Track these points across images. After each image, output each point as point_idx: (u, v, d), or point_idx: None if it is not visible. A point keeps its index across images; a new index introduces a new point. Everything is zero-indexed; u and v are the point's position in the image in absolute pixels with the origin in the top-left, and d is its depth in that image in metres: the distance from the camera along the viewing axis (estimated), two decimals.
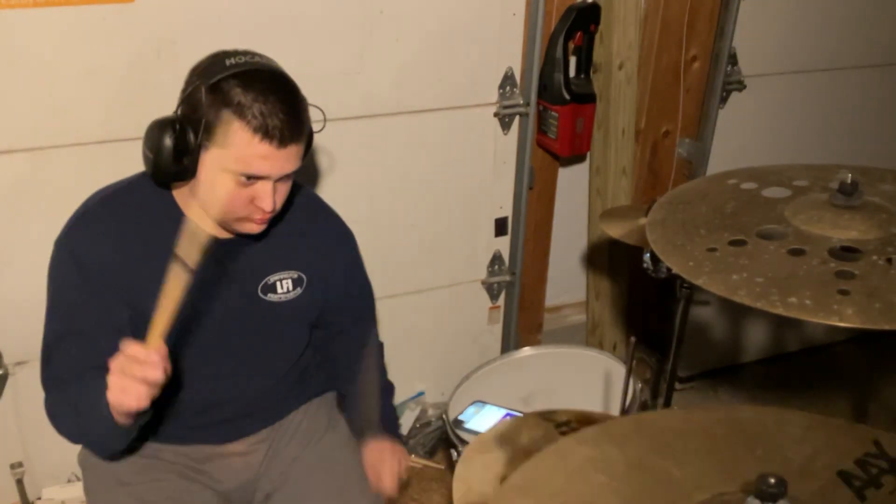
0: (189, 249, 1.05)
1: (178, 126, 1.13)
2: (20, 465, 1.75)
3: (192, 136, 1.13)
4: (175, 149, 1.13)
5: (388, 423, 1.50)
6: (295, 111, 1.14)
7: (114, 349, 1.21)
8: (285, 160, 1.15)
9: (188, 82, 1.16)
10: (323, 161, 1.78)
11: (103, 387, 1.10)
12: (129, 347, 1.05)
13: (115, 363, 1.05)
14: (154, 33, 1.52)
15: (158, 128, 1.14)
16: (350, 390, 1.51)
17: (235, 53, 1.15)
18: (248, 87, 1.11)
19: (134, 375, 1.04)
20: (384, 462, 1.41)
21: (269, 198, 1.17)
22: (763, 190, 1.18)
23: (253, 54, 1.17)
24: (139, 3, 1.49)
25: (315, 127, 1.26)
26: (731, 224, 1.09)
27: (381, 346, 1.60)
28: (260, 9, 1.59)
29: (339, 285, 1.44)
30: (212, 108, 1.11)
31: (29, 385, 1.68)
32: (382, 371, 1.57)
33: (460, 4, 1.77)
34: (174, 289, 1.05)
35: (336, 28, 1.67)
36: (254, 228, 1.23)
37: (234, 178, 1.15)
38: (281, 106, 1.12)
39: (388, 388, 1.56)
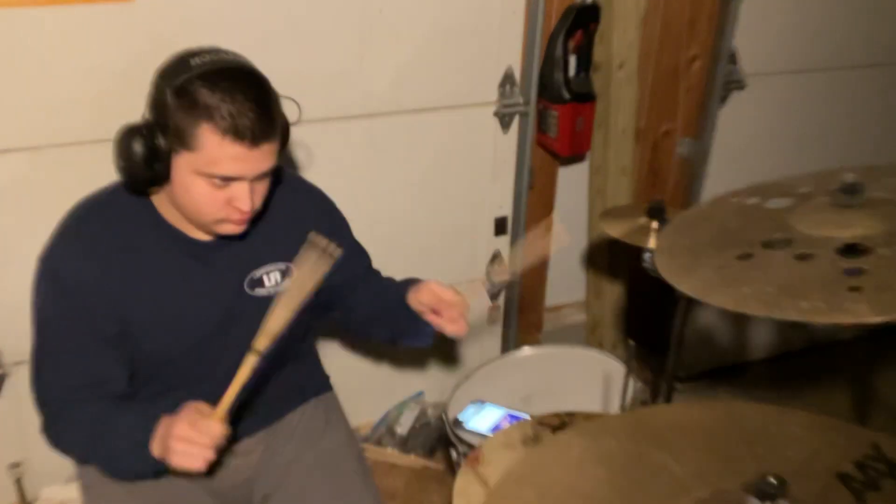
0: (263, 339, 1.14)
1: (146, 132, 1.11)
2: (19, 464, 1.75)
3: (161, 141, 1.11)
4: (145, 155, 1.11)
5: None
6: (265, 108, 1.11)
7: (105, 364, 1.24)
8: (259, 159, 1.13)
9: (154, 85, 1.13)
10: (323, 161, 1.78)
11: (134, 420, 1.18)
12: (197, 418, 1.11)
13: (181, 430, 1.10)
14: (154, 33, 1.52)
15: (127, 135, 1.12)
16: (377, 314, 1.48)
17: (200, 52, 1.12)
18: (214, 87, 1.08)
19: (202, 444, 1.10)
20: (438, 291, 1.36)
21: (246, 198, 1.15)
22: (766, 202, 1.18)
23: (218, 51, 1.13)
24: (139, 3, 1.49)
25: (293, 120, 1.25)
26: (738, 240, 1.08)
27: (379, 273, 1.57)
28: (259, 9, 1.59)
29: (336, 268, 1.43)
30: (179, 111, 1.09)
31: (29, 385, 1.68)
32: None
33: (460, 3, 1.76)
34: (245, 370, 1.15)
35: (336, 28, 1.67)
36: (234, 229, 1.21)
37: (207, 181, 1.13)
38: (250, 104, 1.09)
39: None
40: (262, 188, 1.19)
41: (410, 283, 1.42)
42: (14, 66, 1.46)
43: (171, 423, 1.13)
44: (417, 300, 1.37)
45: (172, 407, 1.31)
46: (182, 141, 1.10)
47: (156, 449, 1.15)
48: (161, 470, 1.17)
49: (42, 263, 1.23)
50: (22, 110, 1.49)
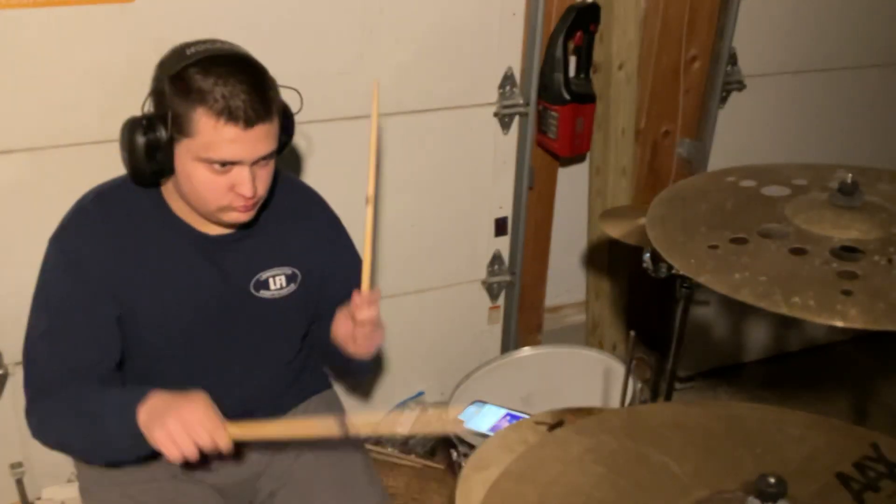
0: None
1: (146, 123, 1.13)
2: (20, 465, 1.75)
3: (162, 131, 1.13)
4: (148, 146, 1.13)
5: None
6: (259, 91, 1.12)
7: (101, 346, 1.23)
8: (255, 141, 1.13)
9: (153, 78, 1.16)
10: (323, 161, 1.78)
11: (120, 393, 1.15)
12: (210, 415, 1.09)
13: (190, 415, 1.08)
14: (154, 33, 1.51)
15: (129, 127, 1.14)
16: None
17: (196, 43, 1.15)
18: (208, 72, 1.10)
19: (197, 440, 1.07)
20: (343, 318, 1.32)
21: (247, 183, 1.15)
22: (762, 188, 1.18)
23: (214, 41, 1.16)
24: (139, 3, 1.49)
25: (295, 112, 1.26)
26: (732, 222, 1.09)
27: None
28: (260, 9, 1.59)
29: (336, 277, 1.44)
30: (175, 98, 1.11)
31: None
32: None
33: (460, 4, 1.76)
34: (304, 427, 1.20)
35: (336, 28, 1.67)
36: (240, 217, 1.22)
37: (208, 167, 1.14)
38: (242, 87, 1.10)
39: None
40: (264, 174, 1.19)
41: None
42: (14, 67, 1.46)
43: (180, 402, 1.10)
44: (335, 335, 1.34)
45: None
46: (180, 128, 1.12)
47: (142, 416, 1.11)
48: (141, 448, 1.12)
49: (51, 244, 1.24)
50: (22, 111, 1.50)
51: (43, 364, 1.24)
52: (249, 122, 1.11)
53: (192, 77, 1.10)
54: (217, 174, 1.14)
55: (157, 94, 1.14)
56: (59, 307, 1.22)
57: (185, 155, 1.14)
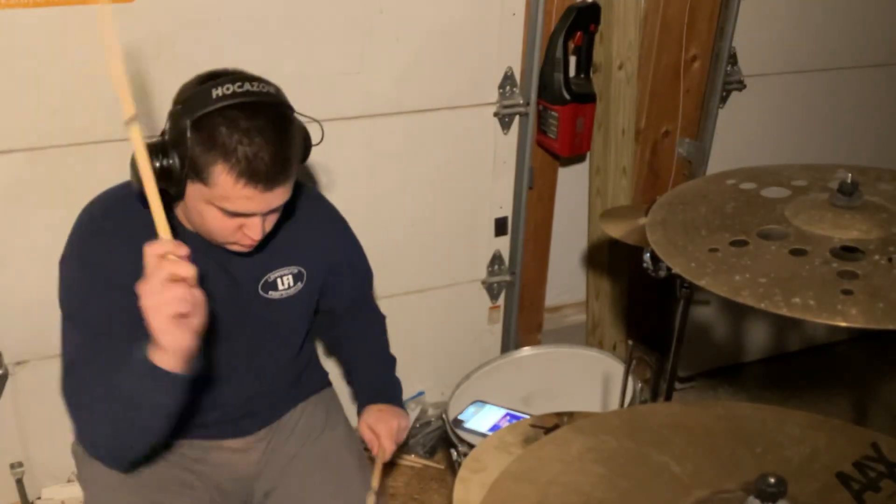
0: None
1: (162, 156, 1.10)
2: (20, 464, 1.75)
3: (177, 168, 1.10)
4: (160, 178, 1.09)
5: (390, 393, 1.51)
6: (282, 149, 1.10)
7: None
8: (272, 199, 1.13)
9: (173, 111, 1.12)
10: (323, 161, 1.78)
11: (142, 367, 1.05)
12: (151, 279, 1.00)
13: (142, 291, 1.00)
14: (154, 33, 1.52)
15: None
16: (353, 362, 1.55)
17: (224, 81, 1.10)
18: (232, 126, 1.07)
19: (167, 277, 0.99)
20: (381, 422, 1.41)
21: (257, 229, 1.16)
22: (762, 190, 1.18)
23: (242, 80, 1.11)
24: (139, 3, 1.49)
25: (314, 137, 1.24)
26: (732, 224, 1.09)
27: (382, 318, 1.62)
28: (260, 9, 1.59)
29: (339, 271, 1.45)
30: (196, 145, 1.08)
31: (29, 385, 1.69)
32: (384, 344, 1.59)
33: (460, 4, 1.76)
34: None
35: (336, 28, 1.67)
36: (243, 250, 1.22)
37: (220, 210, 1.13)
38: (267, 147, 1.08)
39: (389, 361, 1.58)
40: (274, 216, 1.20)
41: (369, 401, 1.48)
42: (14, 67, 1.46)
43: (143, 305, 1.02)
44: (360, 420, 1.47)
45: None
46: (197, 173, 1.10)
47: (156, 357, 1.05)
48: (181, 385, 1.07)
49: (69, 262, 1.21)
50: (21, 111, 1.50)
51: (83, 369, 1.17)
52: (269, 184, 1.10)
53: (217, 128, 1.07)
54: (228, 217, 1.14)
55: (175, 129, 1.10)
56: (95, 316, 1.17)
57: (198, 196, 1.13)
